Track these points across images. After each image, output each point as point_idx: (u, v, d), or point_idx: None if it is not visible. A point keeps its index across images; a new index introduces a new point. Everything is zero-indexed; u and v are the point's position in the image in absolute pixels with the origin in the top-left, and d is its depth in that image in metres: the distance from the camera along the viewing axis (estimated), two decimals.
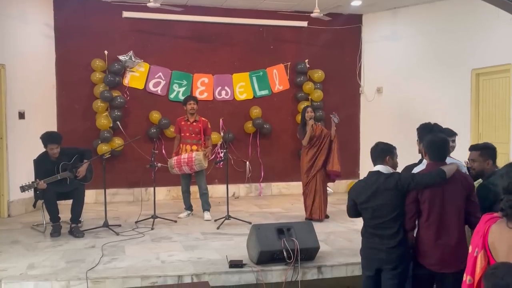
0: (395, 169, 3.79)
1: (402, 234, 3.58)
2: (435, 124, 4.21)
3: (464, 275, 2.48)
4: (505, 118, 7.31)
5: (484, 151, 3.86)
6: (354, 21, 9.60)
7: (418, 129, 4.25)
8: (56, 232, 6.03)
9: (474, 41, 7.86)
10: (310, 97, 9.41)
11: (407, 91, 8.92)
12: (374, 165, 3.76)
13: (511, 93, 7.35)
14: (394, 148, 3.82)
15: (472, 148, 3.97)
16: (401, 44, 9.16)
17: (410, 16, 9.02)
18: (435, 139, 3.65)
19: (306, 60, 9.37)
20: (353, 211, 3.82)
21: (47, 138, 6.07)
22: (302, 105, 9.33)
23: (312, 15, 8.07)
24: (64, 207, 6.35)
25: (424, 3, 8.65)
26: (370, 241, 3.70)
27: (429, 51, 8.71)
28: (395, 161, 3.81)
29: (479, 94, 7.94)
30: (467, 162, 4.13)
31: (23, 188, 5.83)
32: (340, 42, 9.56)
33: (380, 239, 3.61)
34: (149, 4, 7.25)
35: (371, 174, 3.72)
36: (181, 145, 7.16)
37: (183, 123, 7.17)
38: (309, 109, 7.01)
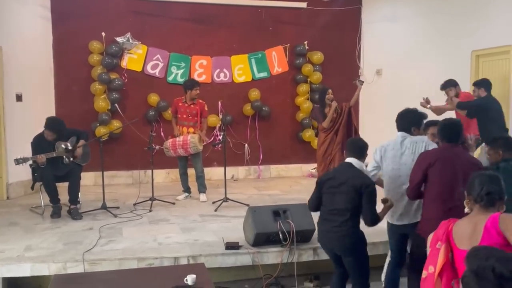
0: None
1: (352, 223, 3.73)
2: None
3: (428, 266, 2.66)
4: (505, 100, 7.25)
5: (493, 143, 3.97)
6: (354, 2, 9.49)
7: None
8: (56, 214, 6.07)
9: (474, 22, 7.77)
10: (309, 79, 9.35)
11: (407, 73, 8.85)
12: (348, 156, 3.94)
13: (511, 75, 7.29)
14: (367, 147, 4.05)
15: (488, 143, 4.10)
16: (401, 25, 9.06)
17: None
18: (448, 121, 3.86)
19: (305, 42, 9.29)
20: (315, 200, 3.97)
21: (46, 125, 6.08)
22: (301, 87, 9.32)
23: None
24: (62, 189, 6.37)
25: None
26: (324, 226, 3.87)
27: (429, 33, 8.62)
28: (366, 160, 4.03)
29: (478, 75, 7.85)
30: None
31: (17, 161, 5.88)
32: (340, 23, 9.47)
33: (332, 225, 3.78)
34: None
35: (345, 164, 3.92)
36: (178, 127, 7.15)
37: (180, 104, 7.13)
38: (329, 90, 6.71)
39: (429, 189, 3.68)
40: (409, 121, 4.13)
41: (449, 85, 6.60)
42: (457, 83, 6.63)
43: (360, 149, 3.95)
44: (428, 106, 6.67)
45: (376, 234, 5.13)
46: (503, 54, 7.35)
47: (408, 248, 4.16)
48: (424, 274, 2.62)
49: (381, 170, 4.21)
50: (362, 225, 3.83)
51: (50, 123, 6.10)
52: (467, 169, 3.56)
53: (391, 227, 4.16)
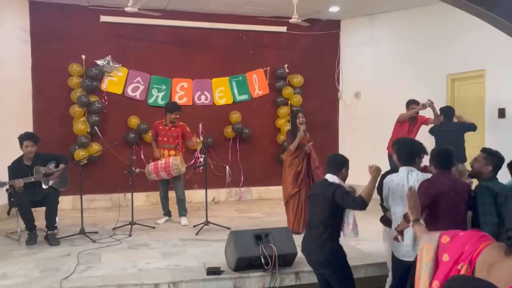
0: (345, 180, 4.03)
1: (326, 236, 3.84)
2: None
3: (433, 280, 2.47)
4: (480, 123, 7.44)
5: (490, 156, 3.97)
6: (333, 26, 9.68)
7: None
8: (31, 240, 5.93)
9: (449, 47, 8.00)
10: (289, 102, 9.44)
11: (385, 96, 9.01)
12: (327, 172, 4.02)
13: (485, 98, 7.49)
14: (348, 161, 4.10)
15: (483, 150, 4.09)
16: (378, 49, 9.27)
17: (387, 22, 9.13)
18: (441, 149, 3.93)
19: (286, 65, 9.41)
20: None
21: (24, 136, 6.09)
22: (282, 109, 9.40)
23: (290, 21, 8.13)
24: (40, 213, 6.24)
25: (400, 10, 8.77)
26: (305, 238, 4.05)
27: (406, 57, 8.83)
28: (348, 173, 4.08)
29: (454, 99, 8.07)
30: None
31: None
32: (319, 47, 9.63)
33: (310, 238, 3.96)
34: (126, 9, 7.21)
35: (322, 180, 4.07)
36: (159, 150, 7.11)
37: (161, 127, 7.11)
38: (300, 114, 6.58)
39: (434, 219, 3.60)
40: (412, 152, 3.98)
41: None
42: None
43: (336, 164, 4.03)
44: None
45: (352, 259, 5.09)
46: (477, 78, 7.57)
47: None
48: (435, 285, 2.38)
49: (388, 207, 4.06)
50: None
51: (27, 134, 6.17)
52: (464, 196, 3.71)
53: (397, 261, 4.01)
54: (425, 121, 7.41)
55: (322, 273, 4.00)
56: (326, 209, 3.86)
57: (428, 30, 8.39)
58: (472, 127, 7.04)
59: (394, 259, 4.08)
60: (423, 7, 8.29)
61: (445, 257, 2.41)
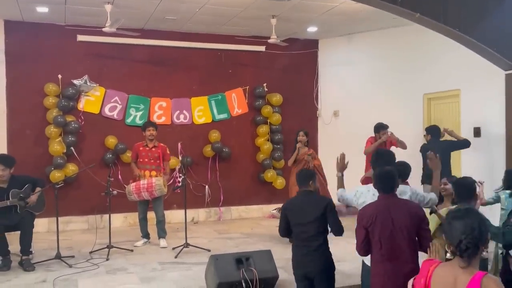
0: (316, 191, 4.23)
1: (325, 245, 4.00)
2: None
3: None
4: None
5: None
6: (311, 46, 9.77)
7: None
8: (5, 266, 5.76)
9: (425, 66, 8.15)
10: (268, 121, 9.46)
11: (363, 114, 9.08)
12: (300, 187, 4.17)
13: (461, 117, 7.63)
14: (315, 174, 4.32)
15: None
16: (356, 68, 9.39)
17: (364, 42, 9.28)
18: (380, 171, 3.64)
19: (265, 84, 9.44)
20: (285, 227, 4.13)
21: None
22: (261, 128, 9.40)
23: (269, 41, 8.20)
24: (14, 237, 6.06)
25: (377, 30, 8.91)
26: (301, 251, 4.02)
27: (383, 76, 8.97)
28: (317, 185, 4.25)
29: (430, 117, 8.21)
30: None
31: None
32: (298, 66, 9.71)
33: (308, 250, 3.95)
34: (104, 29, 7.16)
35: (304, 192, 4.10)
36: (141, 171, 7.02)
37: (141, 148, 7.05)
38: (301, 133, 7.27)
39: (373, 246, 3.50)
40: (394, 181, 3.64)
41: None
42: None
43: (304, 178, 4.15)
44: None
45: None
46: (453, 97, 7.71)
47: None
48: None
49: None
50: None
51: (1, 156, 6.00)
52: (408, 222, 3.41)
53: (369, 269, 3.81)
54: (394, 143, 7.43)
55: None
56: (323, 220, 3.97)
57: (404, 49, 8.55)
58: (464, 144, 6.99)
59: (365, 267, 3.92)
60: (398, 27, 8.44)
61: None
